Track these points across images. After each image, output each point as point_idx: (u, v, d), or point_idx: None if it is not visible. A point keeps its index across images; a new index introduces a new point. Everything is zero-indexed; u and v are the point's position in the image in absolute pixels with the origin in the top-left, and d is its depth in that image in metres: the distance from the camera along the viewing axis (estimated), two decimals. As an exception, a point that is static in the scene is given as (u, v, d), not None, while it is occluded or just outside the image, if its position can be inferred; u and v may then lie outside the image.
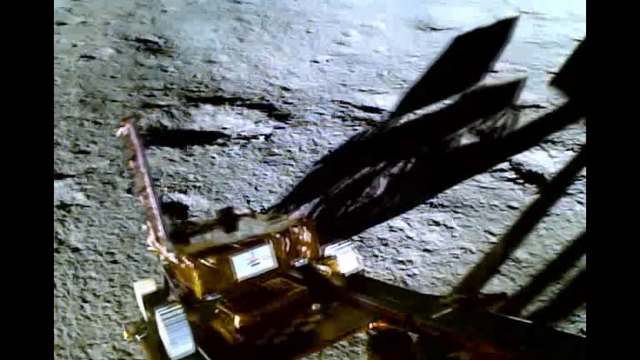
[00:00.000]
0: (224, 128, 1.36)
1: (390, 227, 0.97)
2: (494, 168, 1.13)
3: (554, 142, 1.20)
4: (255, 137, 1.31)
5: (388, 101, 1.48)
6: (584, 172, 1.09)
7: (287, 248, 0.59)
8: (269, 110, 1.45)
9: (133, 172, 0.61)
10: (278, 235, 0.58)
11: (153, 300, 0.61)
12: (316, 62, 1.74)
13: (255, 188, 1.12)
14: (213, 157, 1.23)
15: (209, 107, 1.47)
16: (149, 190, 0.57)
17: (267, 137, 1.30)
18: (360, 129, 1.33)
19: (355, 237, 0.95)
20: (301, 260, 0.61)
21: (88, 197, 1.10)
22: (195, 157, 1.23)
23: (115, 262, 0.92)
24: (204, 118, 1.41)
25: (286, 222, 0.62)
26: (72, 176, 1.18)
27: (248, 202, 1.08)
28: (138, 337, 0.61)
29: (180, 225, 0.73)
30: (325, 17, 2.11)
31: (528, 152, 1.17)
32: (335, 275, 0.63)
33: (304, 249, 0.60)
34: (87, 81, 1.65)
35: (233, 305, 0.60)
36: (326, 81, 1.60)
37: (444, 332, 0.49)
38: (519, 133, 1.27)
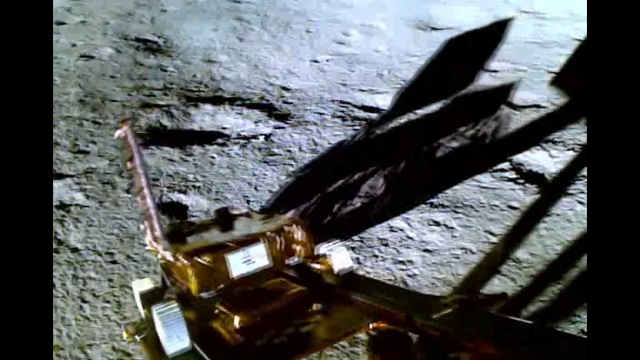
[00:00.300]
0: (224, 128, 1.36)
1: (391, 227, 0.97)
2: (495, 168, 1.13)
3: (554, 142, 1.20)
4: (255, 137, 1.31)
5: (388, 101, 1.47)
6: (584, 172, 1.09)
7: (282, 247, 0.60)
8: (269, 110, 1.44)
9: (131, 173, 0.61)
10: (272, 234, 0.59)
11: (150, 298, 0.62)
12: (316, 61, 1.74)
13: (255, 188, 1.12)
14: (213, 157, 1.23)
15: (208, 107, 1.47)
16: (146, 191, 0.58)
17: (267, 137, 1.30)
18: (360, 128, 1.33)
19: (355, 237, 0.95)
20: (295, 259, 0.61)
21: (87, 197, 1.10)
22: (195, 157, 1.23)
23: (114, 262, 0.92)
24: (204, 118, 1.41)
25: (281, 222, 0.63)
26: (72, 176, 1.17)
27: (248, 202, 1.08)
28: (137, 338, 0.61)
29: (177, 225, 0.73)
30: (325, 16, 2.11)
31: (529, 152, 1.17)
32: (329, 273, 0.63)
33: (298, 247, 0.61)
34: (86, 81, 1.65)
35: (233, 305, 0.60)
36: (326, 81, 1.60)
37: (445, 333, 0.49)
38: (520, 133, 1.27)
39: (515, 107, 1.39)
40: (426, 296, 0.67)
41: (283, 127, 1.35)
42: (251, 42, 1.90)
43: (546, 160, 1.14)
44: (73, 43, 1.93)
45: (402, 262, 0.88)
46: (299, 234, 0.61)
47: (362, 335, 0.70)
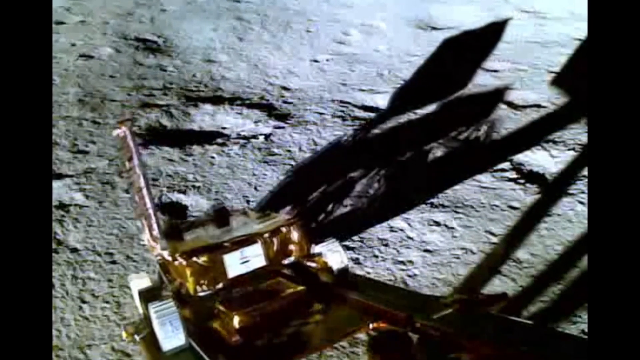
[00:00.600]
0: (224, 128, 1.36)
1: (391, 227, 0.97)
2: (495, 168, 1.13)
3: (555, 142, 1.20)
4: (254, 136, 1.30)
5: (388, 101, 1.47)
6: (585, 172, 1.09)
7: (278, 247, 0.60)
8: (269, 109, 1.44)
9: (129, 173, 0.61)
10: (268, 235, 0.60)
11: (148, 296, 0.62)
12: (316, 61, 1.73)
13: (255, 188, 1.12)
14: (212, 157, 1.23)
15: (208, 107, 1.46)
16: (144, 191, 0.58)
17: (267, 136, 1.30)
18: (360, 128, 1.33)
19: (355, 238, 0.94)
20: (291, 259, 0.62)
21: (87, 197, 1.10)
22: (195, 157, 1.23)
23: (114, 262, 0.91)
24: (204, 118, 1.41)
25: (277, 222, 0.63)
26: (71, 176, 1.17)
27: (248, 202, 1.08)
28: (137, 338, 0.61)
29: (174, 223, 0.73)
30: (325, 16, 2.10)
31: (529, 152, 1.17)
32: (324, 271, 0.64)
33: (294, 248, 0.62)
34: (86, 81, 1.65)
35: (232, 305, 0.60)
36: (326, 81, 1.60)
37: (445, 333, 0.49)
38: (520, 133, 1.27)
39: (516, 106, 1.38)
40: (426, 296, 0.67)
41: (283, 127, 1.34)
42: (251, 42, 1.89)
43: (547, 160, 1.14)
44: (72, 43, 1.92)
45: (402, 263, 0.88)
46: (295, 234, 0.62)
47: (362, 336, 0.70)
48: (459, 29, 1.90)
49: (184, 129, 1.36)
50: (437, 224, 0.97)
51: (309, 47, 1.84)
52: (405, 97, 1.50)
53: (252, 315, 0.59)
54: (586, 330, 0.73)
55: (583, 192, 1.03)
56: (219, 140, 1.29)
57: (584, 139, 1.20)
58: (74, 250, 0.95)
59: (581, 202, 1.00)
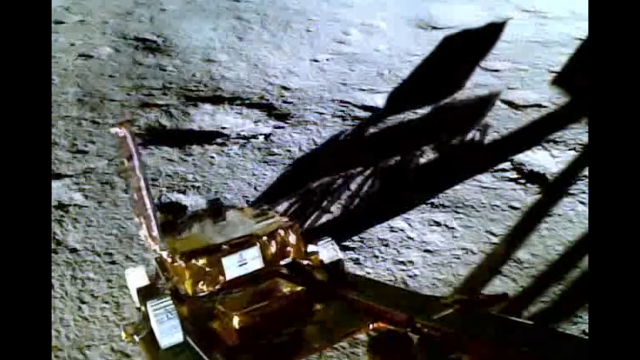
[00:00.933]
0: (223, 128, 1.36)
1: (391, 227, 0.97)
2: (496, 168, 1.12)
3: (556, 142, 1.19)
4: (254, 136, 1.30)
5: (388, 100, 1.47)
6: (586, 172, 1.09)
7: (275, 249, 0.62)
8: (269, 109, 1.44)
9: (127, 173, 0.61)
10: (266, 238, 0.61)
11: (146, 293, 0.64)
12: (316, 61, 1.73)
13: (255, 188, 1.12)
14: (212, 157, 1.23)
15: (208, 107, 1.46)
16: (143, 191, 0.58)
17: (267, 136, 1.30)
18: (360, 128, 1.33)
19: (355, 238, 0.94)
20: (287, 260, 0.63)
21: (86, 197, 1.10)
22: (194, 157, 1.23)
23: (113, 262, 0.91)
24: (203, 117, 1.41)
25: (273, 223, 0.64)
26: (70, 176, 1.17)
27: (247, 202, 1.07)
28: (136, 338, 0.61)
29: (170, 217, 0.74)
30: (325, 15, 2.10)
31: (530, 151, 1.17)
32: (319, 269, 0.65)
33: (290, 249, 0.63)
34: (85, 80, 1.64)
35: (232, 306, 0.60)
36: (326, 80, 1.59)
37: (445, 333, 0.49)
38: (521, 132, 1.27)
39: (517, 106, 1.38)
40: (427, 297, 0.67)
41: (283, 127, 1.34)
42: (251, 42, 1.89)
43: (547, 160, 1.14)
44: (72, 42, 1.92)
45: (402, 263, 0.88)
46: (292, 237, 0.63)
47: (362, 336, 0.70)
48: (460, 29, 1.89)
49: (183, 128, 1.36)
50: (438, 224, 0.97)
51: (309, 46, 1.83)
52: (405, 96, 1.50)
53: (252, 315, 0.59)
54: (587, 330, 0.73)
55: (584, 192, 1.02)
56: (219, 140, 1.29)
57: (584, 138, 1.20)
58: (73, 250, 0.95)
59: (582, 202, 0.99)
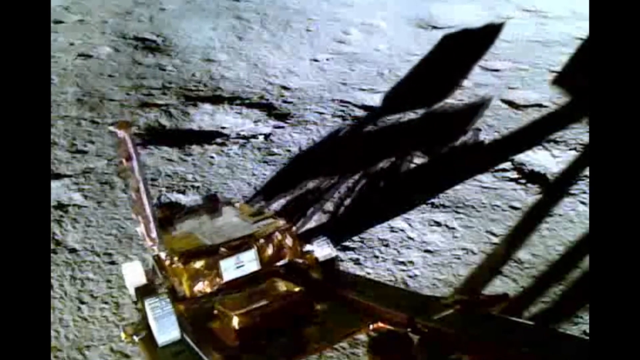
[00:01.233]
0: (223, 127, 1.35)
1: (391, 227, 0.96)
2: (496, 168, 1.12)
3: (556, 142, 1.19)
4: (254, 136, 1.30)
5: (388, 100, 1.47)
6: (586, 172, 1.08)
7: (271, 252, 0.63)
8: (269, 109, 1.44)
9: (126, 173, 0.61)
10: (263, 241, 0.63)
11: (144, 291, 0.65)
12: (316, 60, 1.73)
13: (255, 188, 1.11)
14: (212, 157, 1.22)
15: (207, 107, 1.46)
16: (143, 194, 0.58)
17: (267, 136, 1.30)
18: (360, 128, 1.33)
19: (355, 238, 0.94)
20: (283, 261, 0.64)
21: (85, 197, 1.10)
22: (194, 157, 1.23)
23: (113, 263, 0.91)
24: (203, 117, 1.40)
25: (270, 225, 0.64)
26: (70, 176, 1.17)
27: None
28: (136, 339, 0.61)
29: (168, 212, 0.74)
30: (325, 15, 2.10)
31: (530, 151, 1.16)
32: (313, 267, 0.65)
33: (286, 251, 0.64)
34: (84, 80, 1.64)
35: (232, 306, 0.60)
36: (326, 80, 1.59)
37: (446, 334, 0.49)
38: (521, 132, 1.26)
39: (517, 106, 1.38)
40: (427, 297, 0.67)
41: (283, 127, 1.34)
42: (250, 41, 1.89)
43: (548, 160, 1.13)
44: (71, 42, 1.92)
45: (402, 263, 0.88)
46: (288, 240, 0.64)
47: (362, 337, 0.70)
48: (460, 28, 1.89)
49: (183, 128, 1.36)
50: (438, 224, 0.96)
51: (308, 46, 1.83)
52: (405, 96, 1.50)
53: (252, 315, 0.59)
54: (588, 331, 0.73)
55: (585, 192, 1.02)
56: (219, 140, 1.29)
57: (585, 138, 1.20)
58: (73, 250, 0.95)
59: (583, 202, 0.99)
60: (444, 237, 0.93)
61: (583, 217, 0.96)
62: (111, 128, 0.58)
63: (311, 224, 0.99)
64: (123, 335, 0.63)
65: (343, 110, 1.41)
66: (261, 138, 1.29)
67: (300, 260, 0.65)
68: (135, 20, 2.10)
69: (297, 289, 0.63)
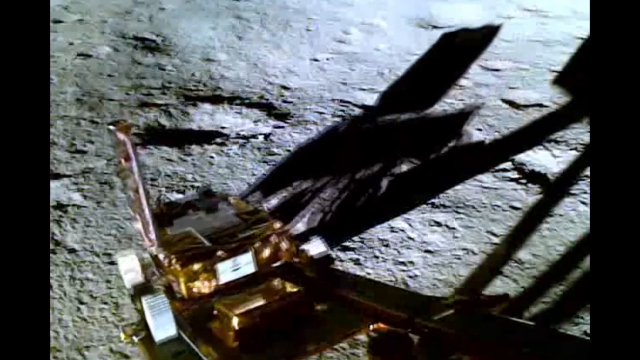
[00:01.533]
0: (223, 127, 1.35)
1: (391, 227, 0.96)
2: (497, 168, 1.12)
3: (557, 142, 1.19)
4: (254, 136, 1.30)
5: (389, 100, 1.46)
6: (587, 172, 1.08)
7: (267, 254, 0.64)
8: (268, 109, 1.43)
9: (125, 173, 0.61)
10: (259, 244, 0.63)
11: (141, 289, 0.66)
12: (316, 60, 1.72)
13: (255, 188, 1.11)
14: (211, 157, 1.22)
15: (207, 106, 1.45)
16: (142, 197, 0.58)
17: (267, 136, 1.29)
18: (360, 128, 1.33)
19: (355, 238, 0.94)
20: (279, 263, 0.65)
21: (85, 197, 1.09)
22: (194, 157, 1.23)
23: (112, 263, 0.91)
24: (203, 117, 1.40)
25: (266, 228, 0.65)
26: (69, 176, 1.17)
27: (247, 203, 1.07)
28: (135, 339, 0.61)
29: (164, 207, 0.74)
30: (325, 14, 2.09)
31: (531, 151, 1.16)
32: (308, 265, 0.66)
33: (281, 253, 0.65)
34: (83, 80, 1.64)
35: (231, 306, 0.60)
36: (326, 80, 1.59)
37: (446, 334, 0.49)
38: (522, 132, 1.26)
39: (518, 106, 1.38)
40: (427, 297, 0.67)
41: (283, 127, 1.34)
42: (250, 41, 1.89)
43: (549, 160, 1.13)
44: (70, 41, 1.91)
45: (403, 263, 0.88)
46: (284, 243, 0.65)
47: (362, 337, 0.70)
48: (460, 28, 1.89)
49: (182, 128, 1.36)
50: (438, 224, 0.96)
51: (308, 45, 1.83)
52: (405, 96, 1.50)
53: (251, 316, 0.59)
54: (588, 331, 0.73)
55: (585, 192, 1.02)
56: (218, 140, 1.28)
57: (586, 138, 1.20)
58: (72, 250, 0.95)
59: (583, 203, 0.99)
60: (445, 237, 0.93)
61: (584, 217, 0.96)
62: (111, 128, 0.58)
63: (311, 224, 0.98)
64: (122, 336, 0.63)
65: (343, 110, 1.41)
66: (261, 138, 1.28)
67: (295, 260, 0.66)
68: (134, 20, 2.10)
69: (296, 289, 0.63)
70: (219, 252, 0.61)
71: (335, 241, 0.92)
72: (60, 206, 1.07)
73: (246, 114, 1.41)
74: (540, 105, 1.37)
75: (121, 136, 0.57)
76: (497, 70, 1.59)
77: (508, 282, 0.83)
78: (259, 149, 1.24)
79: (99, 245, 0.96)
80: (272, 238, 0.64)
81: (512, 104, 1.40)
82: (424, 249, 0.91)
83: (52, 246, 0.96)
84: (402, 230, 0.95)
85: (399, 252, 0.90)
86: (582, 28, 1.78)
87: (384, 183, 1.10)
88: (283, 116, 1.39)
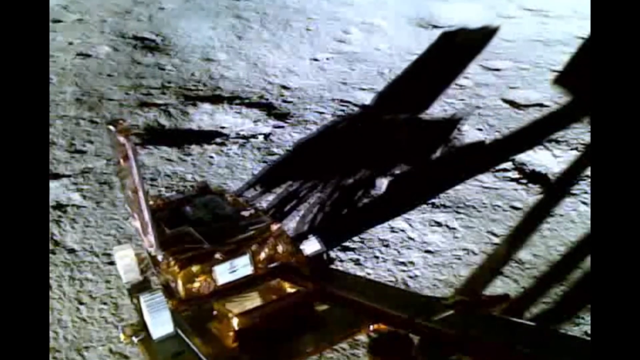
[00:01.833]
0: (223, 127, 1.35)
1: (392, 227, 0.96)
2: (497, 168, 1.12)
3: (557, 142, 1.19)
4: (254, 136, 1.29)
5: (389, 100, 1.46)
6: (588, 172, 1.08)
7: (264, 256, 0.64)
8: (268, 109, 1.43)
9: (123, 173, 0.61)
10: (256, 247, 0.64)
11: (139, 288, 0.67)
12: (316, 60, 1.72)
13: (254, 188, 1.11)
14: (211, 157, 1.22)
15: (207, 106, 1.45)
16: (141, 198, 0.58)
17: (266, 136, 1.29)
18: (360, 128, 1.32)
19: (355, 238, 0.94)
20: (276, 264, 0.65)
21: (84, 197, 1.09)
22: (193, 157, 1.22)
23: (111, 263, 0.91)
24: (202, 117, 1.40)
25: (264, 230, 0.66)
26: (68, 176, 1.16)
27: (245, 201, 1.07)
28: (135, 340, 0.61)
29: (161, 202, 0.74)
30: (325, 14, 2.09)
31: (531, 151, 1.16)
32: (302, 263, 0.66)
33: (278, 255, 0.66)
34: (83, 79, 1.64)
35: (231, 307, 0.60)
36: (326, 79, 1.59)
37: (446, 335, 0.48)
38: (522, 132, 1.26)
39: (518, 106, 1.37)
40: (428, 298, 0.67)
41: (282, 127, 1.33)
42: (250, 41, 1.88)
43: (549, 159, 1.13)
44: (70, 41, 1.91)
45: (403, 263, 0.87)
46: (281, 245, 0.65)
47: (362, 337, 0.69)
48: (461, 27, 1.88)
49: (182, 128, 1.35)
50: (439, 224, 0.96)
51: (308, 45, 1.83)
52: (406, 96, 1.49)
53: (251, 316, 0.59)
54: (589, 332, 0.72)
55: (586, 192, 1.02)
56: (218, 140, 1.28)
57: (587, 138, 1.19)
58: (71, 251, 0.94)
59: (584, 203, 0.99)
60: (445, 237, 0.93)
61: (584, 217, 0.95)
62: (110, 128, 0.58)
63: (311, 224, 0.98)
64: (122, 336, 0.63)
65: (343, 110, 1.41)
66: (261, 138, 1.28)
67: (292, 260, 0.66)
68: (134, 20, 2.10)
69: (296, 290, 0.63)
70: (217, 255, 0.61)
71: (335, 241, 0.92)
72: (59, 206, 1.07)
73: (246, 113, 1.40)
74: (541, 105, 1.37)
75: (122, 139, 0.57)
76: (497, 69, 1.59)
77: (508, 282, 0.82)
78: (258, 148, 1.24)
79: (98, 245, 0.96)
80: (269, 240, 0.64)
81: (512, 103, 1.39)
82: (424, 249, 0.90)
83: (51, 246, 0.96)
84: (403, 231, 0.95)
85: (399, 252, 0.90)
86: (583, 27, 1.78)
87: (384, 183, 1.09)
88: (283, 116, 1.39)
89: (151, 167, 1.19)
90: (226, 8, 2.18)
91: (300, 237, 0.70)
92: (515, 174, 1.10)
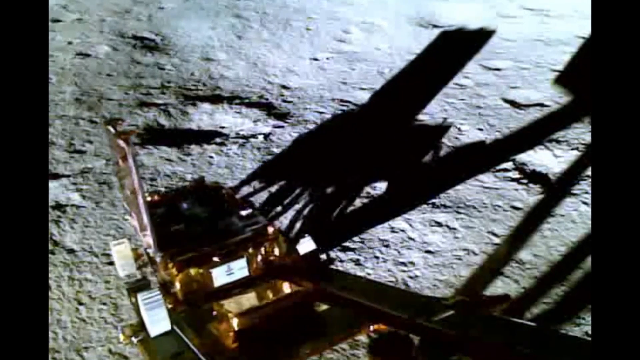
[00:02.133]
0: (222, 127, 1.35)
1: (392, 227, 0.96)
2: (498, 168, 1.11)
3: (558, 142, 1.19)
4: (254, 136, 1.29)
5: (389, 99, 1.46)
6: (589, 172, 1.08)
7: (260, 258, 0.65)
8: (268, 109, 1.43)
9: (122, 173, 0.61)
10: (252, 250, 0.65)
11: (137, 286, 0.68)
12: (316, 59, 1.72)
13: (254, 188, 1.11)
14: (211, 157, 1.22)
15: (206, 106, 1.45)
16: (140, 199, 0.58)
17: (266, 136, 1.29)
18: (360, 127, 1.32)
19: (355, 238, 0.94)
20: (272, 265, 0.66)
21: (84, 197, 1.09)
22: (193, 157, 1.22)
23: (111, 263, 0.90)
24: (202, 117, 1.40)
25: (261, 233, 0.66)
26: (68, 176, 1.16)
27: (242, 199, 1.06)
28: (134, 340, 0.61)
29: (157, 197, 0.74)
30: (325, 14, 2.09)
31: (532, 151, 1.16)
32: (297, 262, 0.67)
33: (274, 258, 0.66)
34: (82, 79, 1.63)
35: (231, 307, 0.60)
36: (326, 79, 1.58)
37: (447, 335, 0.48)
38: (523, 132, 1.26)
39: (519, 105, 1.37)
40: (428, 298, 0.67)
41: (282, 126, 1.33)
42: (250, 40, 1.88)
43: (550, 159, 1.13)
44: (69, 41, 1.91)
45: (403, 264, 0.87)
46: (277, 248, 0.66)
47: (363, 338, 0.69)
48: (461, 27, 1.88)
49: (182, 128, 1.35)
50: (439, 224, 0.96)
51: (308, 45, 1.82)
52: (406, 95, 1.49)
53: (251, 316, 0.59)
54: (590, 332, 0.72)
55: (587, 193, 1.01)
56: (218, 140, 1.28)
57: (587, 138, 1.19)
58: (71, 251, 0.94)
59: (585, 203, 0.99)
60: (445, 237, 0.93)
61: (585, 217, 0.95)
62: (109, 129, 0.58)
63: (310, 224, 0.98)
64: (121, 337, 0.63)
65: (343, 110, 1.41)
66: (261, 138, 1.28)
67: (288, 261, 0.66)
68: (133, 19, 2.09)
69: (296, 290, 0.63)
70: (215, 258, 0.62)
71: (336, 241, 0.91)
72: (58, 206, 1.06)
73: (246, 113, 1.40)
74: (542, 105, 1.37)
75: (122, 143, 0.57)
76: (498, 69, 1.58)
77: (509, 282, 0.82)
78: (258, 148, 1.24)
79: (97, 245, 0.96)
80: (266, 243, 0.64)
81: (513, 103, 1.39)
82: (425, 249, 0.90)
83: (50, 246, 0.95)
84: (403, 231, 0.95)
85: (399, 252, 0.90)
86: (584, 27, 1.78)
87: (384, 183, 1.09)
88: (283, 116, 1.39)
89: (151, 167, 1.19)
90: (226, 7, 2.18)
91: (298, 237, 0.69)
92: (515, 174, 1.09)
